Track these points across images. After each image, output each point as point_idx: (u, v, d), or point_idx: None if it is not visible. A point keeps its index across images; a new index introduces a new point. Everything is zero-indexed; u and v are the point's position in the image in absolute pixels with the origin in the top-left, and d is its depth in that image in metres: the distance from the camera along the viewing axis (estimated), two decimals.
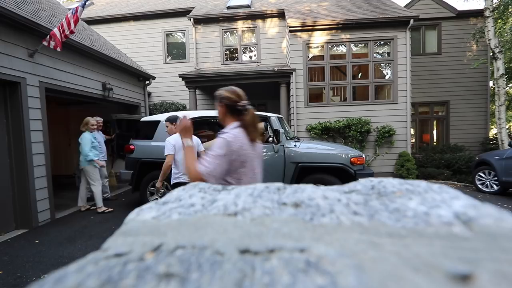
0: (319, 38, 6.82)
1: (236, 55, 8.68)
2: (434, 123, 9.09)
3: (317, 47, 7.04)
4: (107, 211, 4.35)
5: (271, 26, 8.39)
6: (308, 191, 0.28)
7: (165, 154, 2.88)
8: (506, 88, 8.96)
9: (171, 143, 2.88)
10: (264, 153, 3.98)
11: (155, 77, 7.73)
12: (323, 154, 4.01)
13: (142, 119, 4.74)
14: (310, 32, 6.82)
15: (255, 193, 0.28)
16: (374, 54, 6.93)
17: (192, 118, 4.31)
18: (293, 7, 8.21)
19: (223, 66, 8.47)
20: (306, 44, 6.87)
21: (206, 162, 1.29)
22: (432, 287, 0.14)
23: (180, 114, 4.34)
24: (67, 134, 7.89)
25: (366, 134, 6.66)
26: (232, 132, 1.35)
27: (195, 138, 2.88)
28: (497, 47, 6.83)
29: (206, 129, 5.73)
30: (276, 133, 3.94)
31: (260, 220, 0.22)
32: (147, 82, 7.42)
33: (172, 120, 3.05)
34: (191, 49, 8.78)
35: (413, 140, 8.86)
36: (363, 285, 0.14)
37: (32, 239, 3.36)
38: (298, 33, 6.84)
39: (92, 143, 4.25)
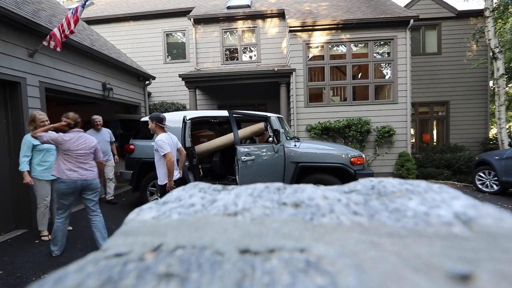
0: (319, 38, 6.82)
1: (236, 55, 8.69)
2: (434, 123, 9.09)
3: (317, 47, 7.04)
4: (45, 238, 3.30)
5: (271, 26, 8.39)
6: (308, 191, 0.28)
7: (162, 154, 2.87)
8: (506, 88, 8.96)
9: (165, 142, 2.90)
10: (264, 153, 3.98)
11: (155, 77, 7.73)
12: (323, 154, 4.01)
13: (142, 119, 4.74)
14: (310, 32, 6.83)
15: (255, 193, 0.28)
16: (374, 54, 6.93)
17: (192, 118, 4.31)
18: (293, 7, 8.22)
19: (223, 66, 8.48)
20: (306, 44, 6.87)
21: (48, 134, 2.75)
22: (432, 287, 0.14)
23: (180, 114, 4.35)
24: None
25: (366, 134, 6.66)
26: (68, 134, 2.75)
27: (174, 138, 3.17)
28: (497, 47, 6.83)
29: (206, 129, 5.74)
30: (276, 133, 3.94)
31: (260, 220, 0.22)
32: (147, 82, 7.42)
33: (154, 118, 3.02)
34: (191, 49, 8.78)
35: (413, 140, 8.86)
36: (363, 285, 0.14)
37: (32, 239, 3.36)
38: (298, 33, 6.84)
39: (34, 147, 3.15)
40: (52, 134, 2.74)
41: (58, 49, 3.87)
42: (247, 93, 8.40)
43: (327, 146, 4.26)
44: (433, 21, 8.68)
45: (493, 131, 10.81)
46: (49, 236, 3.26)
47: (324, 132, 6.74)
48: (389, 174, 6.71)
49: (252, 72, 6.98)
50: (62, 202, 2.77)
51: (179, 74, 7.16)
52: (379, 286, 0.14)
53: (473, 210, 0.22)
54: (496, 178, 5.26)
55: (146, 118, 4.72)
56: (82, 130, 2.87)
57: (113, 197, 4.99)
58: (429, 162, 7.67)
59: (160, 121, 2.99)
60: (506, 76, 8.37)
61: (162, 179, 3.01)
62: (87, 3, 5.51)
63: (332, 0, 8.56)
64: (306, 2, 8.72)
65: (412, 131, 8.61)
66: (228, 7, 8.69)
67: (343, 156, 3.97)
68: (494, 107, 9.11)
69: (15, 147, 3.70)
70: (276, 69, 6.73)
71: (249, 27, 8.47)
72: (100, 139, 4.52)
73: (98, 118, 4.65)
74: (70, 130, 2.80)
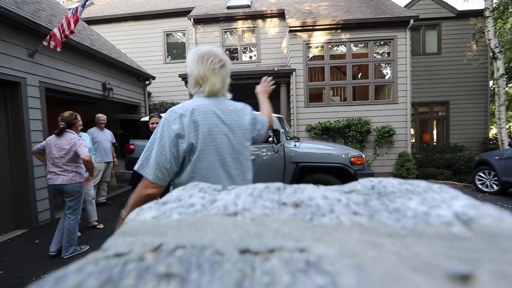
0: (319, 38, 6.82)
1: (236, 55, 8.68)
2: (434, 123, 9.09)
3: (317, 47, 7.03)
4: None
5: (271, 26, 8.39)
6: (308, 191, 0.28)
7: None
8: (506, 88, 8.97)
9: None
10: (264, 153, 3.98)
11: (155, 77, 7.72)
12: (323, 154, 4.01)
13: (142, 119, 4.74)
14: (310, 32, 6.82)
15: (255, 193, 0.28)
16: (374, 54, 6.92)
17: None
18: (293, 7, 8.21)
19: None
20: (306, 44, 6.87)
21: (39, 144, 2.94)
22: (432, 287, 0.14)
23: None
24: None
25: (366, 134, 6.66)
26: (50, 137, 2.82)
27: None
28: (497, 47, 6.83)
29: None
30: (276, 133, 3.93)
31: (260, 220, 0.22)
32: (147, 82, 7.42)
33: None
34: (191, 49, 8.77)
35: (413, 140, 8.86)
36: (363, 285, 0.14)
37: (32, 239, 3.36)
38: (298, 33, 6.84)
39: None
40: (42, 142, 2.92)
41: (58, 49, 3.86)
42: (247, 93, 8.38)
43: (327, 146, 4.26)
44: (433, 21, 8.68)
45: (493, 131, 10.81)
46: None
47: (324, 132, 6.74)
48: (389, 174, 6.71)
49: (252, 72, 6.98)
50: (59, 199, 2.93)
51: (179, 74, 7.16)
52: (379, 286, 0.14)
53: (473, 210, 0.22)
54: (496, 178, 5.26)
55: (146, 118, 4.72)
56: (71, 131, 2.81)
57: (104, 200, 4.91)
58: (429, 162, 7.67)
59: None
60: (506, 76, 8.37)
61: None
62: (87, 3, 5.51)
63: (332, 0, 8.56)
64: (306, 2, 8.72)
65: (412, 131, 8.61)
66: (228, 7, 8.69)
67: (343, 156, 3.96)
68: (494, 107, 9.11)
69: (15, 147, 3.70)
70: (276, 69, 6.73)
71: (249, 27, 8.47)
72: (103, 138, 4.58)
73: (102, 117, 4.65)
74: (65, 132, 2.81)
